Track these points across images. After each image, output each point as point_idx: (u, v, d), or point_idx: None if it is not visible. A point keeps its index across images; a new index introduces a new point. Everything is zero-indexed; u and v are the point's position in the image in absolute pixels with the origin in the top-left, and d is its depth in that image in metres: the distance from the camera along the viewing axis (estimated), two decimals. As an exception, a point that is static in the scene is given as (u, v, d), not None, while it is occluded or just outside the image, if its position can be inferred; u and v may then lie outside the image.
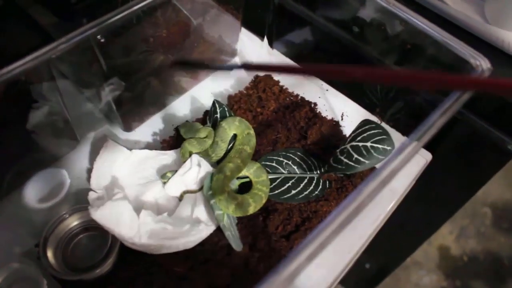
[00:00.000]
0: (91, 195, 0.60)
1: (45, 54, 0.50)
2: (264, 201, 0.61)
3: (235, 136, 0.67)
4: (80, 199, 0.64)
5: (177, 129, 0.71)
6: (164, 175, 0.63)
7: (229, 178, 0.61)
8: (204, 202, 0.61)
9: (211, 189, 0.60)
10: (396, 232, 1.25)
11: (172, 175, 0.62)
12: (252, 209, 0.59)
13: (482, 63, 0.51)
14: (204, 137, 0.65)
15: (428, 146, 0.74)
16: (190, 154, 0.64)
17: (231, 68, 0.47)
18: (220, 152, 0.65)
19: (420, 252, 1.63)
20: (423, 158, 0.74)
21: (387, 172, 0.42)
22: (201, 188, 0.62)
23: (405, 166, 0.43)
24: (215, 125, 0.68)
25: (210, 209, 0.60)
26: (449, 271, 1.62)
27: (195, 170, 0.62)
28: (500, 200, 1.77)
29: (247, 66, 0.45)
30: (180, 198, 0.63)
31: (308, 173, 0.66)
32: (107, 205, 0.56)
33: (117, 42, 0.63)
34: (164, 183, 0.62)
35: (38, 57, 0.50)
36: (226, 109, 0.69)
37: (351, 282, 1.56)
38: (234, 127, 0.66)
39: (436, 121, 0.46)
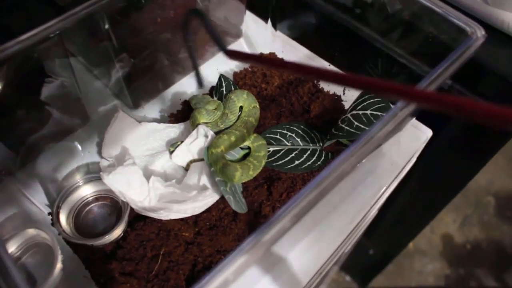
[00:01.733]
0: (103, 163, 0.62)
1: (52, 27, 0.51)
2: (251, 173, 0.62)
3: (241, 108, 0.69)
4: (91, 172, 0.67)
5: (184, 103, 0.73)
6: (174, 144, 0.65)
7: (232, 143, 0.63)
8: (209, 171, 0.63)
9: (210, 143, 0.62)
10: (398, 217, 1.27)
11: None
12: (237, 177, 0.60)
13: (477, 31, 0.53)
14: (214, 109, 0.68)
15: (429, 125, 0.76)
16: (198, 124, 0.66)
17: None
18: (229, 123, 0.68)
19: (423, 240, 1.64)
20: (424, 134, 0.75)
21: (371, 135, 0.44)
22: (207, 158, 0.64)
23: (394, 133, 0.45)
24: (221, 99, 0.70)
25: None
26: (452, 259, 1.63)
27: (201, 140, 0.64)
28: (504, 189, 1.78)
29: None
30: (187, 168, 0.65)
31: (311, 145, 0.68)
32: (118, 170, 0.58)
33: (127, 22, 0.65)
34: (172, 152, 0.65)
35: (44, 30, 0.51)
36: (231, 83, 0.72)
37: (356, 269, 1.57)
38: (242, 99, 0.68)
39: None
